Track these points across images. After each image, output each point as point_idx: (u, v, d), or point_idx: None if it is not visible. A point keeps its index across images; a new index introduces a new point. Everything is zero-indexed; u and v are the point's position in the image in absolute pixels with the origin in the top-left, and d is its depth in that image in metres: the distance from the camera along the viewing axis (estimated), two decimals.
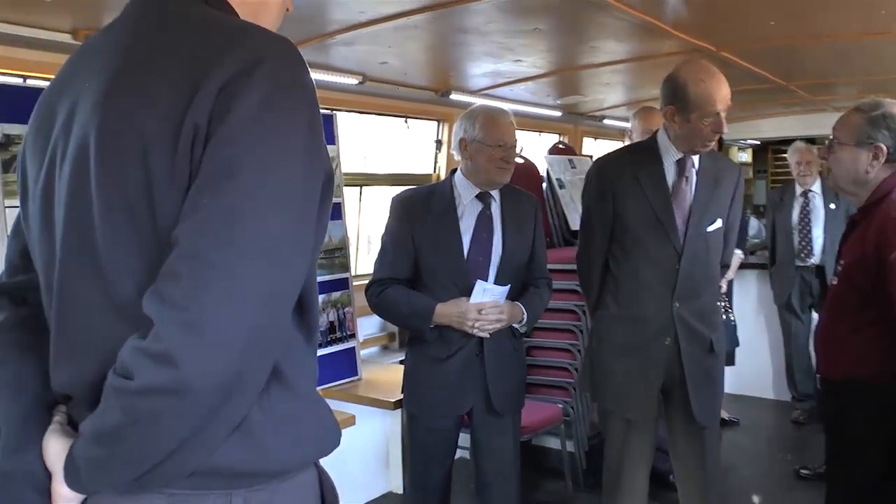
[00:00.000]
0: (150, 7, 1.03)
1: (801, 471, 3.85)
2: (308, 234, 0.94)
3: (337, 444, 1.10)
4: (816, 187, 4.67)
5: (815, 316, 4.84)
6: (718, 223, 2.46)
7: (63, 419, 1.04)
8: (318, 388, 1.14)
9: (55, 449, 0.99)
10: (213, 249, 0.86)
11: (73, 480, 0.97)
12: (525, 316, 2.55)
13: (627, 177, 2.46)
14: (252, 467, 1.00)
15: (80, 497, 0.99)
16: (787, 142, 6.66)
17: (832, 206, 4.56)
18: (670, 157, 2.44)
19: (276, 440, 1.00)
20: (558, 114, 5.25)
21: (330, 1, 2.52)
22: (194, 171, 0.89)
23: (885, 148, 2.01)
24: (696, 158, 2.45)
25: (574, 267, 2.75)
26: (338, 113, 3.37)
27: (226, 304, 0.86)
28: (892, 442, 1.94)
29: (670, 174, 2.44)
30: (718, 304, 2.53)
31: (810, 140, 5.12)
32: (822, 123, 6.32)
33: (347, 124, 4.03)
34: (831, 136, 2.15)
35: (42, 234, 1.03)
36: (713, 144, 2.41)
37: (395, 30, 2.78)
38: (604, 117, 5.63)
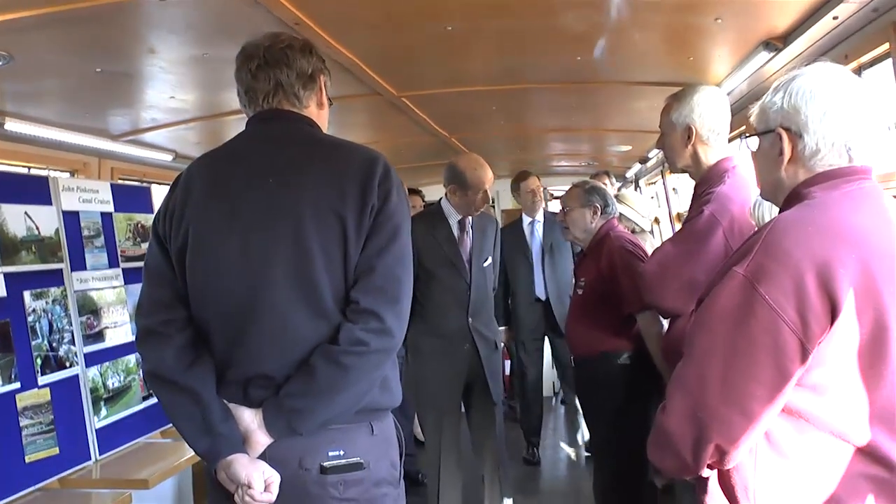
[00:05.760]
0: (286, 129, 1.70)
1: (525, 457, 5.03)
2: None
3: None
4: None
5: None
6: (489, 260, 3.53)
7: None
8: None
9: (247, 413, 1.58)
10: (398, 271, 1.61)
11: (278, 428, 1.55)
12: None
13: (426, 232, 3.40)
14: (384, 403, 1.68)
15: (270, 440, 1.55)
16: None
17: None
18: (454, 218, 3.45)
19: (394, 385, 1.70)
20: None
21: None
22: (369, 229, 1.59)
23: (598, 206, 3.15)
24: (469, 217, 3.46)
25: None
26: (153, 185, 3.75)
27: (407, 300, 1.61)
28: (629, 391, 2.91)
29: (455, 230, 3.45)
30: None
31: None
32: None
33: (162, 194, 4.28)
34: (564, 206, 3.22)
35: (240, 273, 1.58)
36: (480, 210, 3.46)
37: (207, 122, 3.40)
38: None
